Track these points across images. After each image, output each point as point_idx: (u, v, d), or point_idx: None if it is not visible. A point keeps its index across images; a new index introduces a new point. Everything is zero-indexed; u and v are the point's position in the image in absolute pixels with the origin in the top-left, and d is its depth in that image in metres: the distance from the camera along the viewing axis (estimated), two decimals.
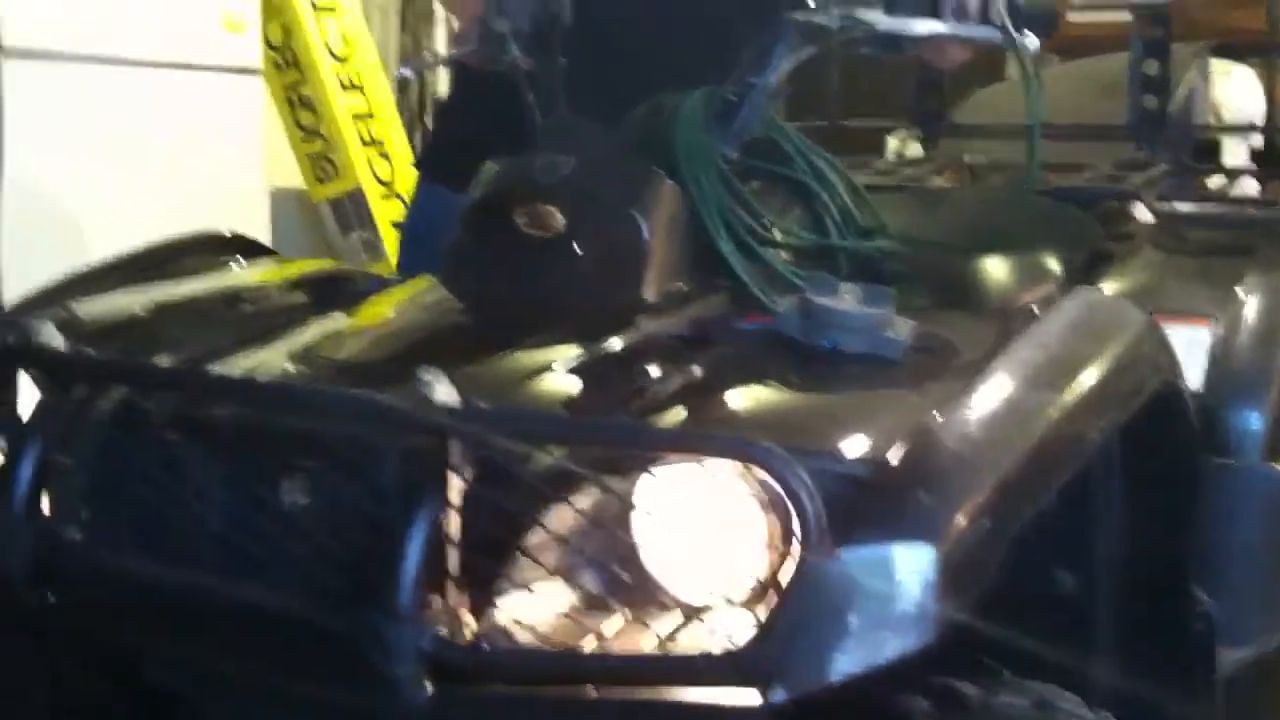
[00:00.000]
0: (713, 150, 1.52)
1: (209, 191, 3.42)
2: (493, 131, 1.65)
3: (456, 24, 1.85)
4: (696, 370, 1.23)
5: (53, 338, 1.26)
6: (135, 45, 3.23)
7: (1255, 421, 1.80)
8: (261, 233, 3.55)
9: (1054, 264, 2.10)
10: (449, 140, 2.16)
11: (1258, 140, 3.16)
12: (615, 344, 1.32)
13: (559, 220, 1.46)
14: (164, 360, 1.30)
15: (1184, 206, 2.45)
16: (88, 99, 3.14)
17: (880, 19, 1.46)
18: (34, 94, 3.01)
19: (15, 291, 2.84)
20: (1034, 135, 1.59)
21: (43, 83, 3.03)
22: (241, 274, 1.67)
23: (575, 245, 1.46)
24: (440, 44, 4.32)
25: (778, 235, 1.54)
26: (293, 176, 4.09)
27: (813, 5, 1.52)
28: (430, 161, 2.24)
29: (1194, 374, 2.03)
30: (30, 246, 3.00)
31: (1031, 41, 1.47)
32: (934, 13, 1.45)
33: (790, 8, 1.55)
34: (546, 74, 1.65)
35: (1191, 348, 2.07)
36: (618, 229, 1.45)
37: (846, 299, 1.24)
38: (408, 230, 2.27)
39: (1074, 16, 5.89)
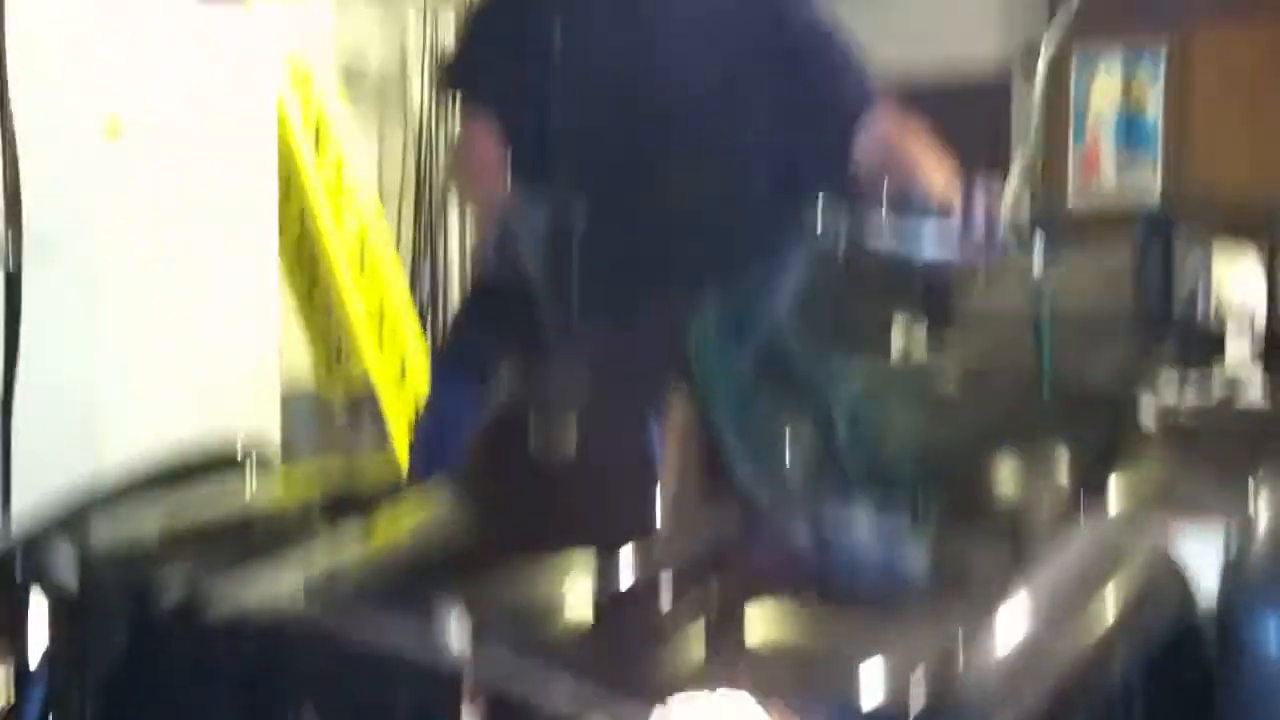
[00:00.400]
0: (726, 359, 1.54)
1: (224, 385, 3.43)
2: (506, 336, 1.69)
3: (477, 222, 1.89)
4: (711, 596, 1.22)
5: (67, 572, 1.26)
6: (151, 236, 3.29)
7: (1274, 623, 1.77)
8: (273, 423, 3.57)
9: (1065, 462, 2.11)
10: (463, 337, 2.20)
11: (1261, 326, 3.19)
12: (630, 565, 1.31)
13: (572, 434, 1.47)
14: (177, 588, 1.29)
15: (1192, 401, 2.47)
16: (109, 297, 3.18)
17: (890, 231, 1.49)
18: (53, 291, 3.05)
19: (26, 495, 2.89)
20: (1045, 342, 1.60)
21: (62, 280, 3.08)
22: (256, 488, 1.67)
23: (588, 459, 1.46)
24: (454, 235, 4.41)
25: (791, 444, 1.55)
26: (304, 368, 4.12)
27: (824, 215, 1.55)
28: (443, 356, 2.28)
29: (1208, 573, 2.03)
30: (44, 445, 3.00)
31: (1039, 254, 1.50)
32: (943, 226, 1.48)
33: (798, 217, 1.59)
34: (561, 283, 1.67)
35: (1205, 548, 2.07)
36: (631, 442, 1.46)
37: (859, 518, 1.23)
38: (421, 420, 2.29)
39: (1074, 204, 6.04)
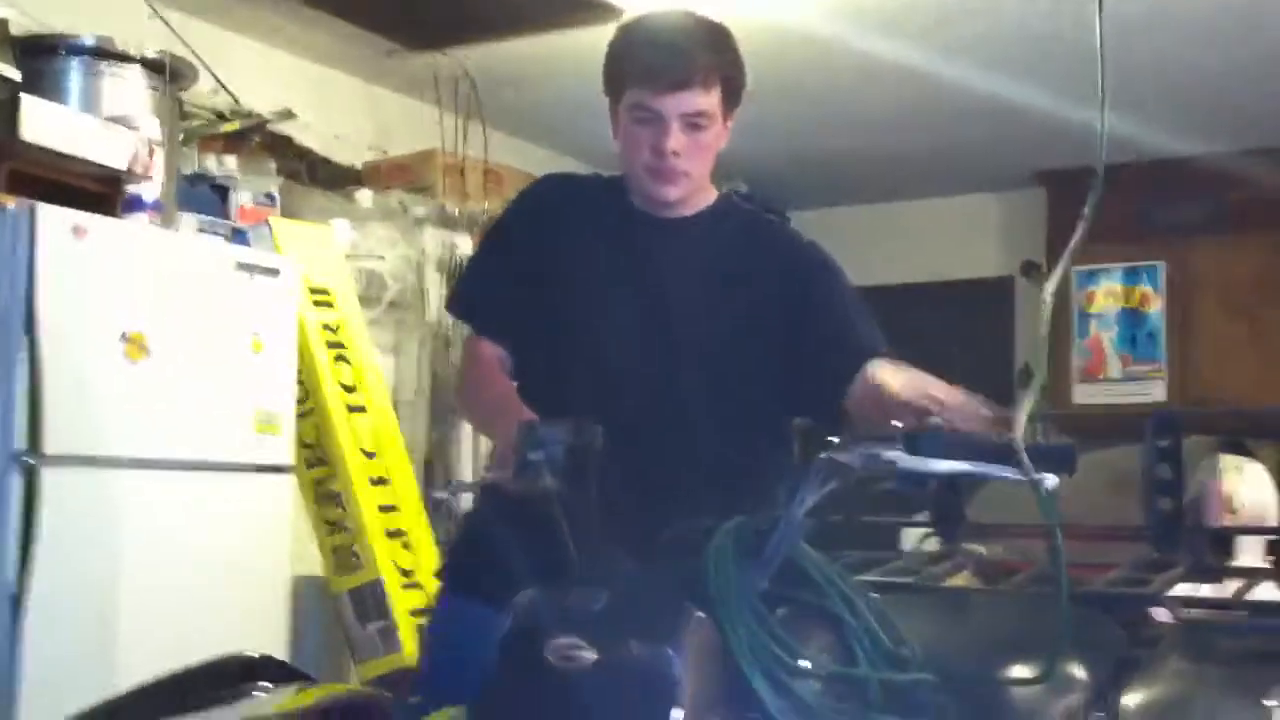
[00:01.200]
0: (744, 582, 1.56)
1: (237, 582, 3.46)
2: (521, 555, 1.71)
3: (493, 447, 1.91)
4: None
5: None
6: (172, 449, 3.34)
7: None
8: (282, 619, 3.58)
9: (1081, 674, 2.09)
10: (474, 555, 2.13)
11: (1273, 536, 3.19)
12: None
13: (591, 655, 1.48)
14: None
15: (1206, 611, 2.46)
16: (121, 501, 3.21)
17: (902, 458, 1.52)
18: (70, 499, 3.09)
19: (37, 708, 2.88)
20: (1062, 570, 1.62)
21: (80, 488, 3.12)
22: (267, 705, 1.67)
23: (607, 679, 1.47)
24: (466, 443, 4.48)
25: (808, 666, 1.55)
26: (314, 565, 4.13)
27: (837, 442, 1.59)
28: (453, 574, 2.24)
29: None
30: (57, 648, 3.00)
31: (1050, 481, 1.52)
32: (954, 453, 1.52)
33: (818, 445, 1.62)
34: (580, 503, 1.70)
35: None
36: (650, 663, 1.47)
37: None
38: (431, 642, 2.27)
39: (1079, 399, 6.10)
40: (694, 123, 2.05)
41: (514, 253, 2.17)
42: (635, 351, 2.06)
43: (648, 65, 2.05)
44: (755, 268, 2.13)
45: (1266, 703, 2.04)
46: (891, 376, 1.94)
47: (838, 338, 2.09)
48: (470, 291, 2.28)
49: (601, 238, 2.13)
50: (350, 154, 5.04)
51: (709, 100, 2.05)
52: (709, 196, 2.19)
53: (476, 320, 2.22)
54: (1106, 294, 6.13)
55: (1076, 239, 1.67)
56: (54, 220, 3.11)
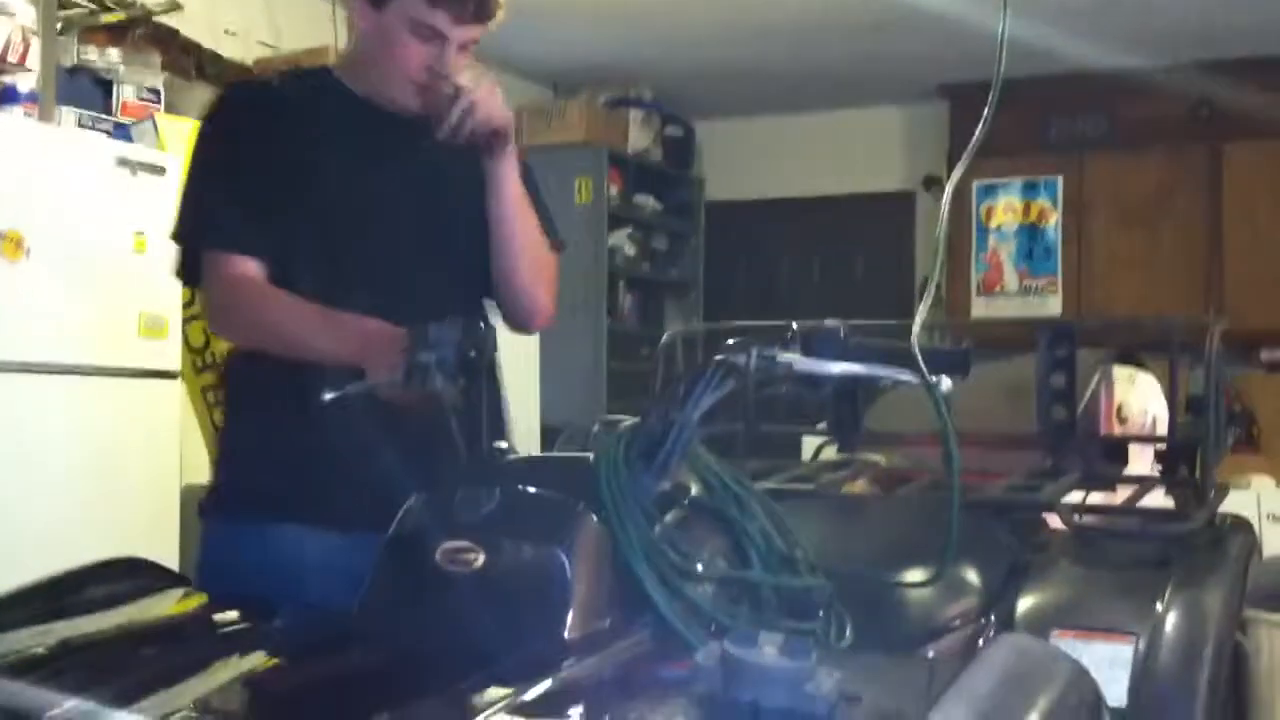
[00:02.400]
0: (636, 485, 1.52)
1: (123, 490, 3.39)
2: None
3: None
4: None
5: None
6: (53, 352, 3.23)
7: None
8: (172, 528, 3.51)
9: (975, 580, 2.11)
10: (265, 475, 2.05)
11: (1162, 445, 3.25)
12: (536, 692, 1.29)
13: (480, 557, 1.45)
14: (67, 709, 1.24)
15: (1097, 518, 2.50)
16: (4, 406, 3.10)
17: (797, 360, 1.50)
18: None
19: None
20: (955, 472, 1.61)
21: None
22: (150, 607, 1.61)
23: (496, 583, 1.44)
24: None
25: (701, 569, 1.53)
26: (204, 473, 4.05)
27: (732, 344, 1.56)
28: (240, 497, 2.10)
29: (1117, 691, 2.03)
30: None
31: (945, 383, 1.51)
32: (850, 355, 1.49)
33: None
34: (470, 406, 1.66)
35: (1114, 665, 2.07)
36: (540, 566, 1.44)
37: (767, 650, 1.21)
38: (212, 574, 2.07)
39: (976, 311, 6.17)
40: (464, 48, 2.03)
41: (245, 163, 2.03)
42: (391, 237, 2.05)
43: None
44: (461, 163, 2.08)
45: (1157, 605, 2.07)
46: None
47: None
48: (211, 212, 2.04)
49: (338, 132, 2.06)
50: (240, 49, 4.87)
51: (484, 30, 2.05)
52: None
53: (224, 240, 2.01)
54: (1005, 209, 6.18)
55: (974, 142, 1.64)
56: None
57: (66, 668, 1.39)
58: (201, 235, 2.04)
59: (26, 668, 1.36)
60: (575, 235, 6.15)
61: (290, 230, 2.00)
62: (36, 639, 1.46)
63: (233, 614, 1.59)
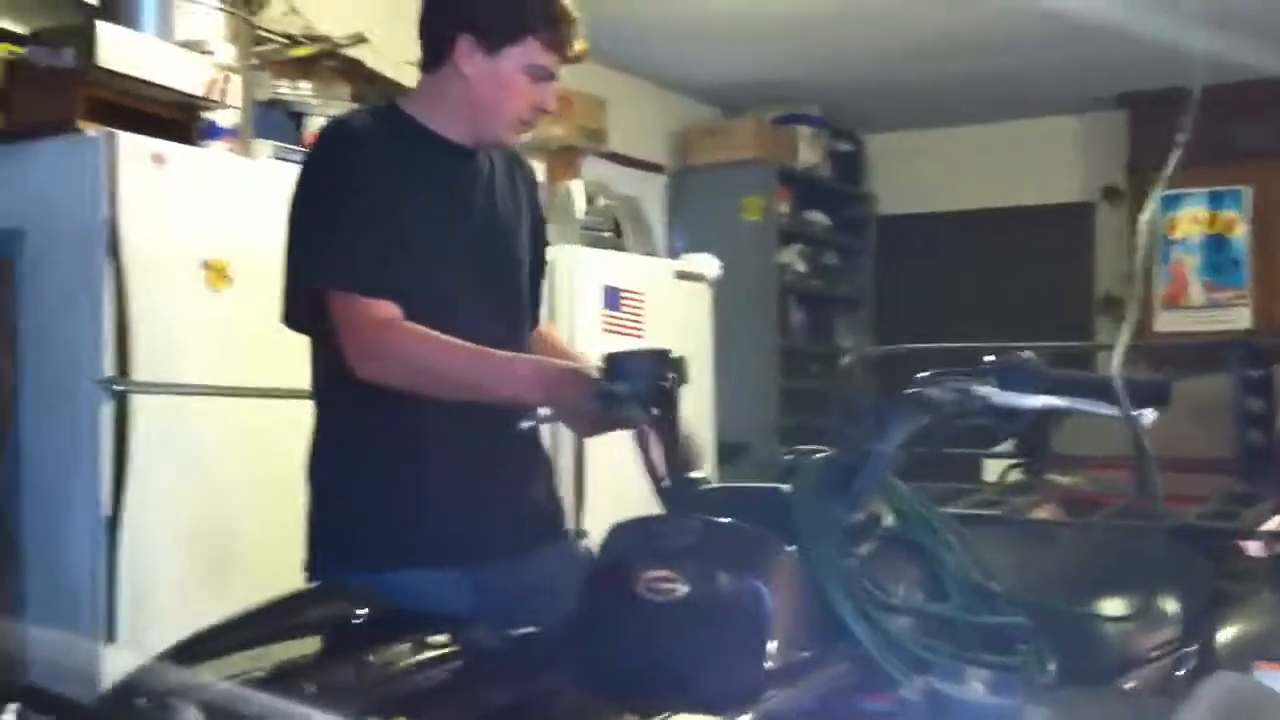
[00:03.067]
0: (832, 517, 1.54)
1: None
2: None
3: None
4: None
5: (185, 708, 1.28)
6: (256, 376, 3.36)
7: None
8: None
9: (1173, 609, 2.07)
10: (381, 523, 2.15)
11: None
12: (743, 718, 1.32)
13: (681, 586, 1.48)
14: None
15: None
16: (208, 428, 3.25)
17: (993, 393, 1.50)
18: (159, 426, 3.13)
19: (129, 620, 2.95)
20: (1158, 504, 1.59)
21: (168, 415, 3.16)
22: (360, 631, 1.68)
23: (697, 612, 1.47)
24: None
25: (898, 602, 1.54)
26: None
27: (926, 376, 1.57)
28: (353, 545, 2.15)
29: None
30: (150, 573, 3.06)
31: (1148, 416, 1.49)
32: (1046, 388, 1.49)
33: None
34: (666, 436, 1.70)
35: None
36: (741, 596, 1.47)
37: (974, 686, 1.22)
38: None
39: (1160, 325, 6.01)
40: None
41: (368, 201, 2.04)
42: (479, 269, 2.17)
43: (559, 25, 2.13)
44: (521, 190, 2.30)
45: None
46: None
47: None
48: (344, 253, 2.03)
49: (423, 169, 2.13)
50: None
51: None
52: None
53: (362, 283, 2.01)
54: (1190, 219, 6.01)
55: (1173, 161, 1.62)
56: (134, 148, 3.12)
57: (291, 692, 1.46)
58: (334, 277, 2.03)
59: (244, 701, 1.43)
60: (744, 252, 6.20)
61: (410, 272, 2.04)
62: (258, 666, 1.53)
63: (442, 637, 1.65)
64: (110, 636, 2.99)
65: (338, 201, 2.07)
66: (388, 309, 2.01)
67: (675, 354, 1.80)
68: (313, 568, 2.11)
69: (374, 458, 2.09)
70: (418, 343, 2.00)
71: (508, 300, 2.23)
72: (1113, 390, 1.50)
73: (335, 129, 2.23)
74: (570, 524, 2.39)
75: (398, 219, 2.06)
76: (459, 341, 2.00)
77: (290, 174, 3.63)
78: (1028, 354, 1.56)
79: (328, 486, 2.15)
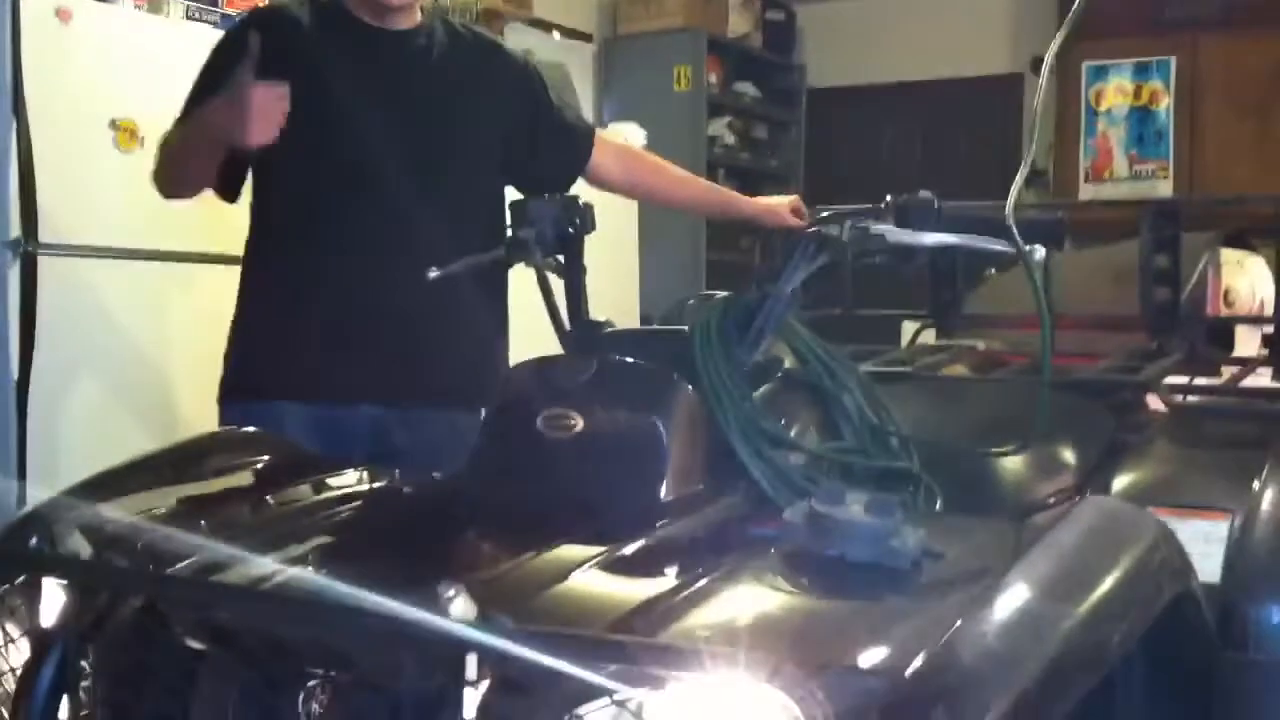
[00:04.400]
0: (731, 356, 1.56)
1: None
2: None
3: None
4: (709, 578, 1.24)
5: (79, 545, 1.29)
6: (165, 239, 3.32)
7: (1276, 615, 1.78)
8: None
9: (1070, 457, 2.11)
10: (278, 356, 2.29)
11: (1269, 329, 3.19)
12: (633, 548, 1.34)
13: (579, 423, 1.49)
14: (184, 568, 1.32)
15: (1198, 398, 2.48)
16: (116, 291, 3.21)
17: (892, 231, 1.51)
18: (67, 288, 3.09)
19: (39, 482, 2.94)
20: (1047, 340, 1.62)
21: (75, 277, 3.12)
22: (258, 473, 1.69)
23: (595, 447, 1.49)
24: None
25: (792, 438, 1.56)
26: None
27: (825, 216, 1.57)
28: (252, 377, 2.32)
29: (1211, 568, 2.03)
30: (58, 435, 3.05)
31: (1040, 253, 1.51)
32: (943, 226, 1.50)
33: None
34: (571, 279, 1.70)
35: (1209, 542, 2.07)
36: (637, 432, 1.49)
37: (853, 508, 1.25)
38: None
39: (1084, 196, 6.06)
40: None
41: (214, 74, 2.24)
42: (384, 146, 2.22)
43: None
44: (478, 71, 2.36)
45: (1254, 483, 2.06)
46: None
47: (572, 126, 2.48)
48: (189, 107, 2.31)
49: (332, 48, 2.25)
50: None
51: None
52: (417, 13, 2.35)
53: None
54: (1116, 90, 6.02)
55: (1073, 13, 1.62)
56: (37, 2, 3.03)
57: (181, 531, 1.47)
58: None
59: (141, 533, 1.44)
60: (673, 123, 6.14)
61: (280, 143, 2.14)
62: (156, 505, 1.54)
63: (347, 476, 1.66)
64: (20, 502, 2.97)
65: (206, 65, 2.33)
66: None
67: (582, 201, 1.79)
68: (220, 400, 2.32)
69: (256, 300, 2.30)
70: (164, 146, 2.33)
71: (402, 181, 2.24)
72: (1008, 228, 1.51)
73: (252, 12, 2.50)
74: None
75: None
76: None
77: (203, 33, 3.60)
78: (926, 194, 1.57)
79: (232, 325, 2.35)
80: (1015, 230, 1.48)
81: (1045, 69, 1.67)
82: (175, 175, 2.34)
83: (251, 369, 2.26)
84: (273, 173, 2.25)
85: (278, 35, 2.22)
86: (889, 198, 1.57)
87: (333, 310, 2.20)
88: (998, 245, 1.52)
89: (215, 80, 2.22)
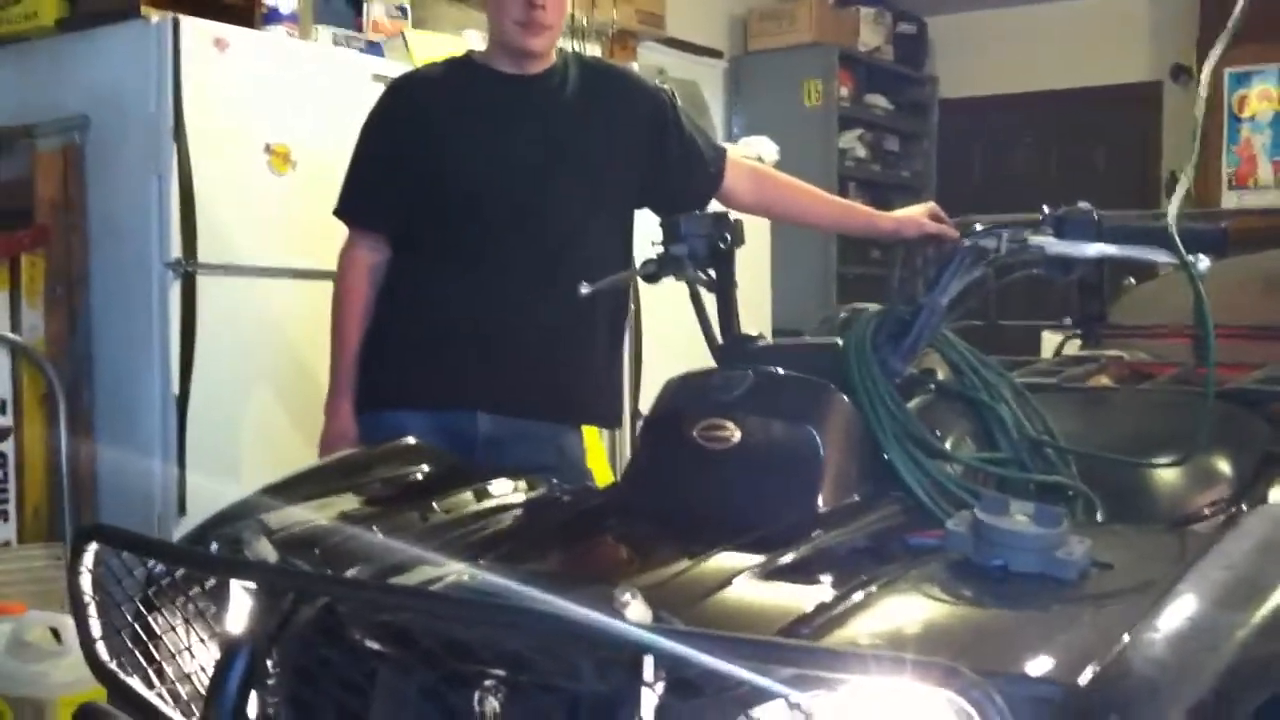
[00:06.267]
0: (885, 367, 1.57)
1: None
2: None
3: None
4: (873, 586, 1.25)
5: (261, 550, 1.34)
6: (318, 259, 3.41)
7: None
8: None
9: (1226, 469, 2.08)
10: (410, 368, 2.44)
11: None
12: (792, 558, 1.36)
13: (736, 434, 1.52)
14: (362, 571, 1.37)
15: None
16: (273, 310, 3.32)
17: (1049, 242, 1.50)
18: (225, 307, 3.20)
19: (198, 493, 3.05)
20: (1210, 349, 1.60)
21: (234, 297, 3.23)
22: (425, 482, 1.74)
23: (751, 458, 1.51)
24: None
25: (948, 449, 1.57)
26: None
27: (980, 228, 1.58)
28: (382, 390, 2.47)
29: None
30: (216, 449, 3.16)
31: (1203, 263, 1.49)
32: (1103, 236, 1.49)
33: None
34: (723, 293, 1.73)
35: None
36: (793, 442, 1.50)
37: (1018, 519, 1.25)
38: None
39: (1228, 205, 5.91)
40: None
41: (387, 144, 2.42)
42: (528, 183, 2.34)
43: None
44: (611, 104, 2.44)
45: None
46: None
47: (702, 149, 2.51)
48: (349, 193, 2.47)
49: (473, 100, 2.40)
50: None
51: None
52: (553, 55, 2.45)
53: (358, 217, 2.45)
54: (1260, 97, 5.87)
55: (1232, 21, 1.60)
56: (197, 32, 3.15)
57: (358, 537, 1.52)
58: (346, 213, 2.48)
59: (319, 538, 1.50)
60: (804, 137, 6.14)
61: (420, 197, 2.36)
62: (331, 513, 1.59)
63: (506, 484, 1.70)
64: (181, 511, 3.09)
65: (360, 149, 2.48)
66: (362, 240, 2.43)
67: (731, 217, 1.82)
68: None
69: (388, 318, 2.42)
70: (342, 283, 2.45)
71: (545, 212, 2.36)
72: (1169, 238, 1.50)
73: (392, 82, 2.59)
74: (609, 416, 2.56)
75: (412, 151, 2.36)
76: (351, 306, 2.41)
77: (350, 58, 3.71)
78: (1085, 204, 1.56)
79: (365, 342, 2.45)
80: (1178, 239, 1.46)
81: (1206, 72, 1.65)
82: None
83: (379, 381, 2.40)
84: (426, 212, 2.38)
85: (421, 96, 2.43)
86: (1045, 209, 1.57)
87: (466, 327, 2.33)
88: (1160, 255, 1.50)
89: (368, 168, 2.44)
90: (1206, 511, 2.00)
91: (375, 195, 2.43)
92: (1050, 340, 3.38)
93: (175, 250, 3.12)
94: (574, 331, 2.32)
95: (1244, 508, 2.04)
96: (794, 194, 2.65)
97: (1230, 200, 5.87)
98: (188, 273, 3.12)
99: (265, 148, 3.30)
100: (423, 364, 2.34)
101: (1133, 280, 3.26)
